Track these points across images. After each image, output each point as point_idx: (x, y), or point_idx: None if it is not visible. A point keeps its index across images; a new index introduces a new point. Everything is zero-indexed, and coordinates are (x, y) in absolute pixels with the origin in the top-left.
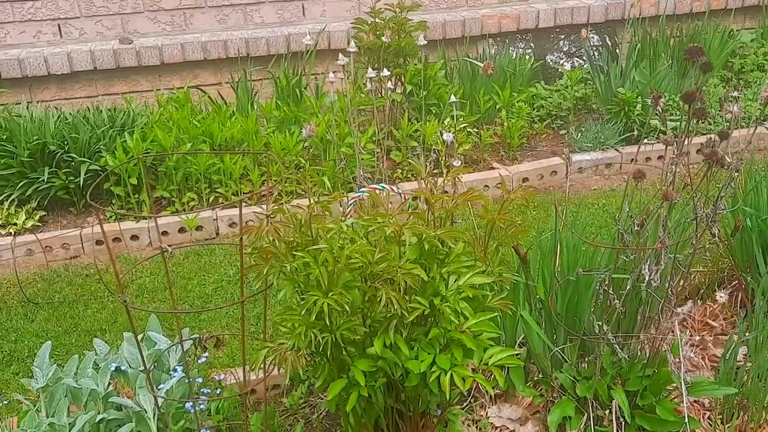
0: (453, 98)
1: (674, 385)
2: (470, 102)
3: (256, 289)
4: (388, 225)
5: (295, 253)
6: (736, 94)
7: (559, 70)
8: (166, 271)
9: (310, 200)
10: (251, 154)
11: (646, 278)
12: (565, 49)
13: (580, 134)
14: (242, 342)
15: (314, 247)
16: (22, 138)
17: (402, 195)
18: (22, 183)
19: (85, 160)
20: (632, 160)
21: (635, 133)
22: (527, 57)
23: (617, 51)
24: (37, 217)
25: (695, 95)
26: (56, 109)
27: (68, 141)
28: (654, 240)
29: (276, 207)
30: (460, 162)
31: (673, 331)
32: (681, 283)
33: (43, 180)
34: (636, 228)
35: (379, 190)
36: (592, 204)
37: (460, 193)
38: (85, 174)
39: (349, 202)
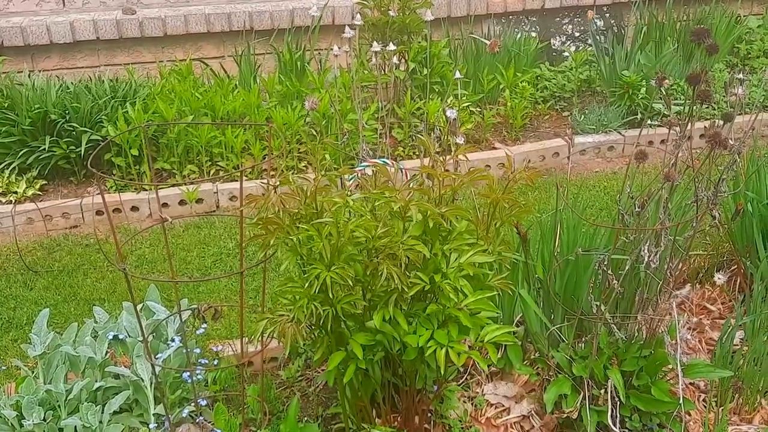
0: (458, 74)
1: (670, 366)
2: (474, 81)
3: (256, 260)
4: (395, 200)
5: (299, 225)
6: (741, 76)
7: (564, 52)
8: (166, 242)
9: (317, 172)
10: (253, 125)
11: (645, 259)
12: (569, 32)
13: (583, 116)
14: (240, 312)
15: (319, 220)
16: (23, 106)
17: (404, 171)
18: (23, 151)
19: (87, 129)
20: (635, 143)
21: (639, 116)
22: (533, 37)
23: (623, 33)
24: (37, 186)
25: (700, 77)
26: (58, 78)
27: (70, 110)
28: (654, 222)
29: (283, 178)
30: (463, 139)
31: (670, 313)
32: (680, 265)
33: (44, 149)
34: (637, 209)
35: (381, 164)
36: (594, 186)
37: (462, 171)
38: (86, 144)
39: (350, 177)
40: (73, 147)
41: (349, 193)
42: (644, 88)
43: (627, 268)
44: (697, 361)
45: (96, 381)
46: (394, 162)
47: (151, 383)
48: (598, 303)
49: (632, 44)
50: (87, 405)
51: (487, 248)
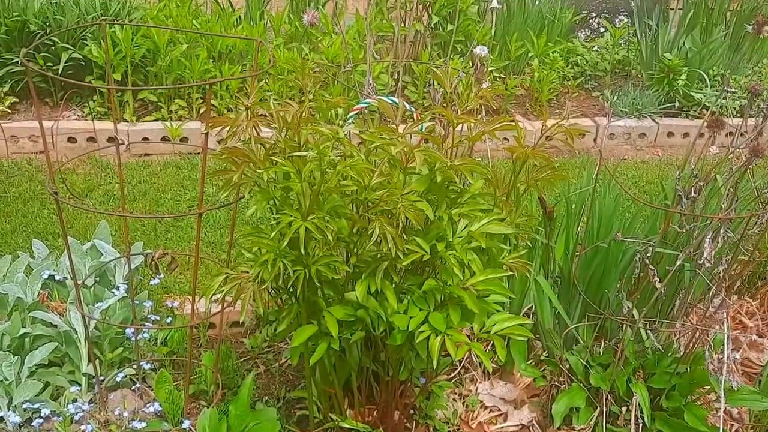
0: (495, 2)
1: (704, 388)
2: (500, 46)
3: (223, 201)
4: (395, 143)
5: (275, 159)
6: None
7: (601, 27)
8: (119, 168)
9: (305, 96)
10: (241, 39)
11: (705, 254)
12: (610, 6)
13: (616, 97)
14: (195, 263)
15: (300, 153)
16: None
17: (415, 112)
18: None
19: (68, 46)
20: (669, 132)
21: (676, 104)
22: (569, 7)
23: (666, 15)
24: (7, 103)
25: None
26: None
27: (52, 23)
28: (710, 213)
29: (258, 101)
30: (488, 85)
31: (720, 325)
32: (736, 266)
33: (19, 62)
34: (692, 194)
35: (389, 103)
36: (621, 174)
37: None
38: (65, 62)
39: (350, 114)
40: (51, 64)
41: (340, 123)
42: (685, 75)
43: (678, 263)
44: (743, 386)
45: (23, 326)
46: (405, 104)
47: (86, 336)
48: (630, 304)
49: (678, 27)
50: (3, 354)
51: (505, 217)
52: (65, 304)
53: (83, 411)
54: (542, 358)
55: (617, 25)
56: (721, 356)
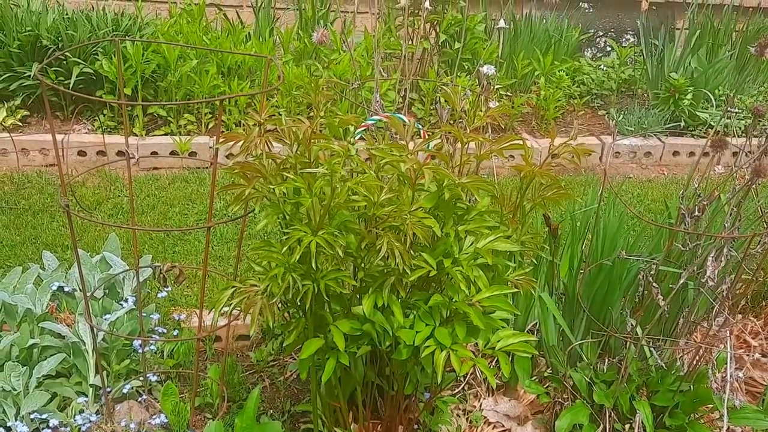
0: (502, 23)
1: (707, 406)
2: (507, 64)
3: (232, 215)
4: (405, 160)
5: (286, 175)
6: None
7: (608, 46)
8: (129, 181)
9: (316, 112)
10: (252, 56)
11: (708, 272)
12: (614, 26)
13: (622, 116)
14: (203, 276)
15: (311, 170)
16: (13, 27)
17: (422, 129)
18: (6, 76)
19: (79, 61)
20: (674, 152)
21: (682, 123)
22: (575, 26)
23: (672, 35)
24: (18, 116)
25: None
26: (59, 2)
27: (64, 38)
28: (713, 232)
29: (270, 118)
30: (496, 105)
31: (724, 344)
32: (740, 286)
33: (30, 76)
34: (696, 213)
35: (395, 119)
36: (626, 192)
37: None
38: (77, 76)
39: (358, 130)
40: (62, 78)
41: (352, 141)
42: (691, 94)
43: (681, 282)
44: (746, 405)
45: (32, 337)
46: (413, 118)
47: (94, 348)
48: (633, 321)
49: (684, 47)
50: (11, 364)
51: (511, 234)
52: (74, 315)
53: (90, 422)
54: (546, 374)
55: (623, 45)
56: (724, 375)
